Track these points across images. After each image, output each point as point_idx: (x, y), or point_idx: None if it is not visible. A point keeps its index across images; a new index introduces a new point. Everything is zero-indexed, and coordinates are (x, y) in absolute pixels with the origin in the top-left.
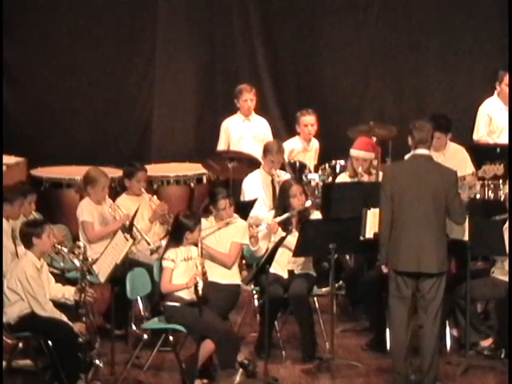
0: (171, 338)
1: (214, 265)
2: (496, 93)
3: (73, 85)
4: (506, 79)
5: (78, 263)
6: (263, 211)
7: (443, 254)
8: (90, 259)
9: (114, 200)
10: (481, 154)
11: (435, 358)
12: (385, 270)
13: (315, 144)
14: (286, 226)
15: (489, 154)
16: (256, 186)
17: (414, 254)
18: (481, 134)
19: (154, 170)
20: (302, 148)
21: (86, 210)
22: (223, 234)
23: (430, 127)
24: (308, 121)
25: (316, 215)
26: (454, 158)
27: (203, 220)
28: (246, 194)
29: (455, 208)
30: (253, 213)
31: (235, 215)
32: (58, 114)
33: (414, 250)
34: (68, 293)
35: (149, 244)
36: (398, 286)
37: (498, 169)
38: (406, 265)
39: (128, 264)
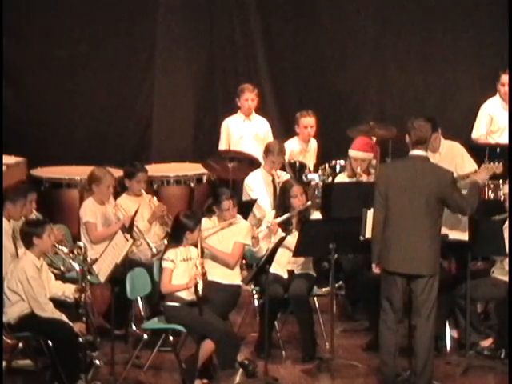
0: (171, 337)
1: (216, 265)
2: (498, 93)
3: (73, 85)
4: (502, 79)
5: (77, 267)
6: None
7: (435, 256)
8: (90, 259)
9: (114, 200)
10: (480, 153)
11: (430, 358)
12: (375, 269)
13: (314, 144)
14: (286, 226)
15: (488, 153)
16: (258, 185)
17: (406, 255)
18: (480, 133)
19: (154, 170)
20: (301, 149)
21: (90, 211)
22: (226, 234)
23: (429, 127)
24: (308, 122)
25: (316, 215)
26: (451, 154)
27: (206, 220)
28: (251, 192)
29: (457, 204)
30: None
31: (238, 215)
32: (58, 113)
33: (406, 251)
34: (68, 290)
35: (151, 248)
36: (388, 286)
37: (497, 167)
38: (398, 265)
39: (128, 264)
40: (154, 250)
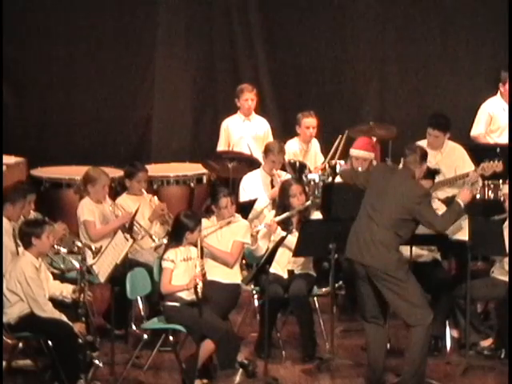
0: (171, 337)
1: (216, 264)
2: (499, 93)
3: (72, 84)
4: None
5: (76, 264)
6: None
7: (393, 258)
8: (94, 247)
9: (113, 200)
10: (480, 153)
11: (415, 359)
12: None
13: (315, 145)
14: (286, 225)
15: (488, 153)
16: (255, 186)
17: (363, 246)
18: (479, 132)
19: (154, 170)
20: (300, 150)
21: (87, 210)
22: (225, 233)
23: (418, 158)
24: (309, 123)
25: (316, 215)
26: (453, 155)
27: (205, 220)
28: (244, 193)
29: (425, 219)
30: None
31: (237, 214)
32: (57, 113)
33: (363, 242)
34: (66, 290)
35: (153, 239)
36: (356, 286)
37: (497, 166)
38: (353, 253)
39: (128, 264)
40: (157, 241)
